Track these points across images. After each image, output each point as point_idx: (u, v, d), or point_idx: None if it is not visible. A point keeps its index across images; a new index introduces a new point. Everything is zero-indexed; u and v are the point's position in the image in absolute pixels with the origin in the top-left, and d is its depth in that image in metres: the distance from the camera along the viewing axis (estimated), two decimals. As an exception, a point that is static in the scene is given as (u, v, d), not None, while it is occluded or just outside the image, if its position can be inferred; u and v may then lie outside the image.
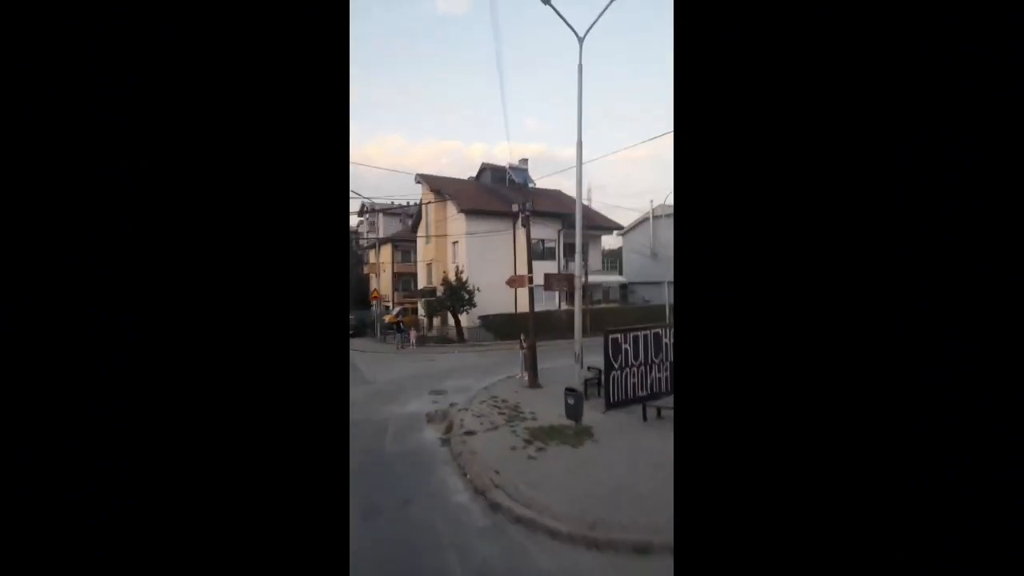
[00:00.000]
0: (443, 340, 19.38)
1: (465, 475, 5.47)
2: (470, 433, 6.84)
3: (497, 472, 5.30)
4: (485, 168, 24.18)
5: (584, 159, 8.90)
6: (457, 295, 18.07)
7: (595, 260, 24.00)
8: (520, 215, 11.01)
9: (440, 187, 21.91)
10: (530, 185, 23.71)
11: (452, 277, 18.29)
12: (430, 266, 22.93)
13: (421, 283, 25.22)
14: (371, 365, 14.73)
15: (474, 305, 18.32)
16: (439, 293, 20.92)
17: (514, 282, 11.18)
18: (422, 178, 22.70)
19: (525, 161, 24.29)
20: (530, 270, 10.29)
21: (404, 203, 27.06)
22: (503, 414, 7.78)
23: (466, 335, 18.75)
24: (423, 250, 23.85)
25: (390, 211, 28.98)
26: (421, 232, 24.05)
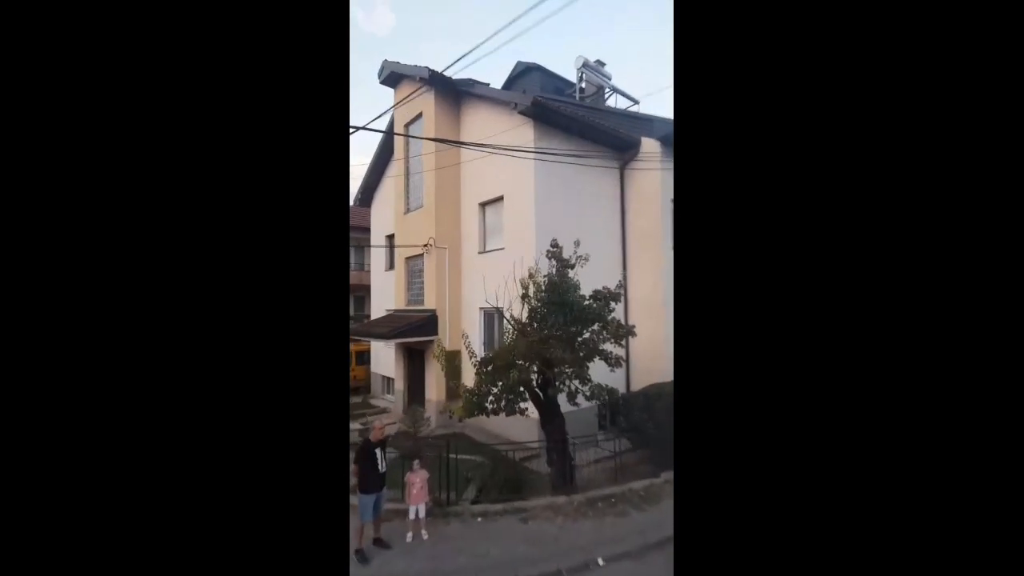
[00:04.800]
0: (511, 486, 5.68)
1: None
2: None
3: None
4: (528, 69, 11.78)
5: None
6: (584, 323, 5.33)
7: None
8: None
9: (448, 86, 9.17)
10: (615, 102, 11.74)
11: (528, 271, 5.62)
12: (421, 260, 9.80)
13: (383, 305, 11.81)
14: None
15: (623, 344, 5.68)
16: (455, 330, 8.10)
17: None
18: (395, 69, 9.80)
19: (601, 64, 12.34)
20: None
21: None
22: None
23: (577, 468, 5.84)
24: (399, 229, 10.56)
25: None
26: (387, 199, 10.81)
